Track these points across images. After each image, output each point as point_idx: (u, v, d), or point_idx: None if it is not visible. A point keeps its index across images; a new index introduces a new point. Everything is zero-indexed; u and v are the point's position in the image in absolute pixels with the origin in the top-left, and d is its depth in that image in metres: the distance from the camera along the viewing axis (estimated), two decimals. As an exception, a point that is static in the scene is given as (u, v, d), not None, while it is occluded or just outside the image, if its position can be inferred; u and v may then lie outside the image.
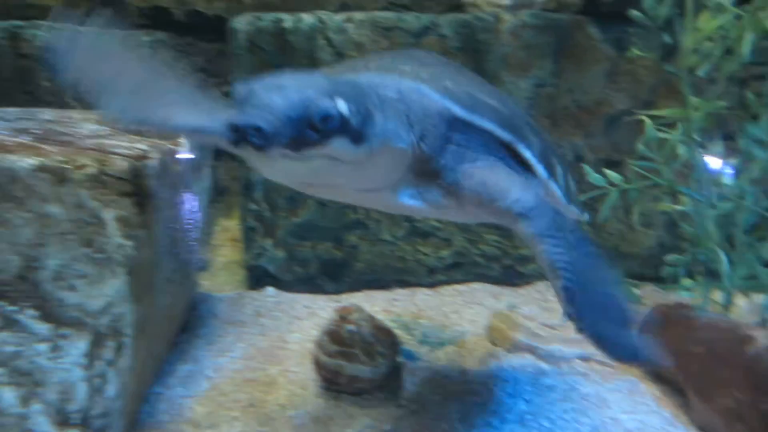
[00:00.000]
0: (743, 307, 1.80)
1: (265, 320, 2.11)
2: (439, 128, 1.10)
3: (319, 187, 1.09)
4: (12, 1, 2.62)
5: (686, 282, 1.78)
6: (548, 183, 1.24)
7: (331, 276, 2.35)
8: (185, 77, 1.21)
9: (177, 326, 1.92)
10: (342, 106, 0.92)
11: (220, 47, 2.68)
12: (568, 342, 1.92)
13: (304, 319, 2.12)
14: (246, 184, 2.29)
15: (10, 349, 1.24)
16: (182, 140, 1.70)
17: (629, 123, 1.87)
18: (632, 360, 1.20)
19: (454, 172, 1.10)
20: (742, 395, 1.46)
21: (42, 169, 1.23)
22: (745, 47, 1.61)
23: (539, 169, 1.21)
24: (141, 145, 1.46)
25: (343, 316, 1.71)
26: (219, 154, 2.26)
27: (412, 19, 2.25)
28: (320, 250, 2.33)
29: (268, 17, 2.23)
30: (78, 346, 1.28)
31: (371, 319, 1.73)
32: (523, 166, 1.21)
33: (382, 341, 1.69)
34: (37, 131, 1.51)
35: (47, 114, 1.84)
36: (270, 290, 2.31)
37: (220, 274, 2.44)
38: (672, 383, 1.73)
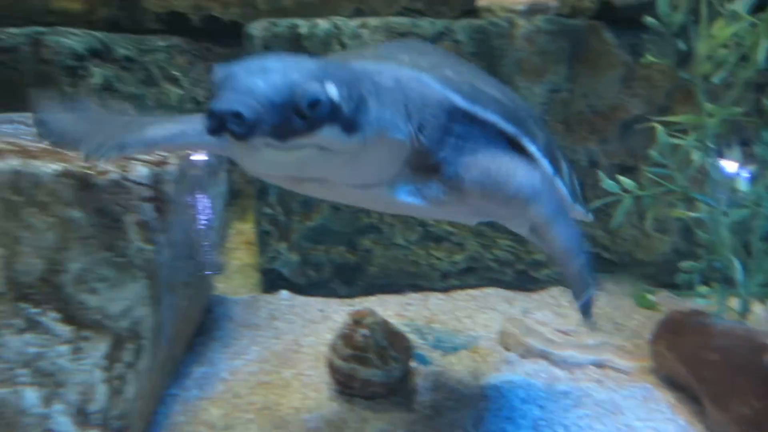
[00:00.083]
0: (760, 314, 1.79)
1: (279, 323, 2.13)
2: (439, 119, 1.02)
3: (308, 182, 0.99)
4: (34, 7, 2.68)
5: (702, 289, 1.77)
6: (554, 179, 1.18)
7: (344, 280, 2.36)
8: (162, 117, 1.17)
9: (193, 329, 1.94)
10: (332, 90, 0.84)
11: (236, 52, 2.71)
12: (582, 348, 1.91)
13: (318, 322, 2.14)
14: (261, 188, 2.31)
15: (33, 350, 1.27)
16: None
17: (645, 128, 1.86)
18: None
19: (454, 166, 1.03)
20: (758, 403, 1.45)
21: (65, 174, 1.25)
22: (761, 54, 1.61)
23: (544, 164, 1.15)
24: (160, 151, 1.49)
25: (357, 321, 1.72)
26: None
27: (426, 25, 2.27)
28: (334, 254, 2.34)
29: (284, 23, 2.25)
30: (98, 348, 1.30)
31: (385, 323, 1.74)
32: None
33: (396, 346, 1.70)
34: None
35: (68, 119, 1.87)
36: (284, 293, 2.33)
37: (235, 277, 2.46)
38: (687, 390, 1.72)
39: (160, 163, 1.40)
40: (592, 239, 2.47)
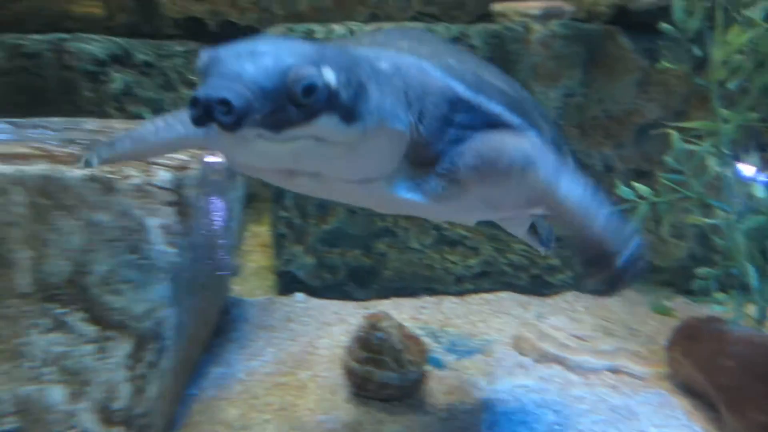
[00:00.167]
0: (777, 321, 1.78)
1: (294, 325, 2.15)
2: (441, 109, 0.96)
3: (302, 177, 0.91)
4: (56, 13, 2.74)
5: (718, 295, 1.76)
6: (543, 143, 1.09)
7: (359, 283, 2.38)
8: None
9: (210, 330, 1.98)
10: (330, 76, 0.76)
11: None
12: (597, 353, 1.91)
13: (333, 325, 2.16)
14: (277, 192, 2.34)
15: (59, 349, 1.30)
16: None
17: (660, 133, 1.86)
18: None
19: (450, 157, 0.97)
20: (775, 411, 1.45)
21: (91, 179, 1.29)
22: (778, 61, 1.61)
23: (534, 134, 1.07)
24: (182, 156, 1.52)
25: (373, 324, 1.74)
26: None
27: (441, 30, 2.28)
28: (349, 257, 2.36)
29: (300, 28, 2.28)
30: (122, 347, 1.33)
31: (400, 326, 1.76)
32: None
33: (411, 349, 1.71)
34: (84, 141, 1.58)
35: (90, 124, 1.92)
36: (299, 296, 2.35)
37: (251, 280, 2.49)
38: (703, 397, 1.71)
39: (182, 168, 1.44)
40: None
